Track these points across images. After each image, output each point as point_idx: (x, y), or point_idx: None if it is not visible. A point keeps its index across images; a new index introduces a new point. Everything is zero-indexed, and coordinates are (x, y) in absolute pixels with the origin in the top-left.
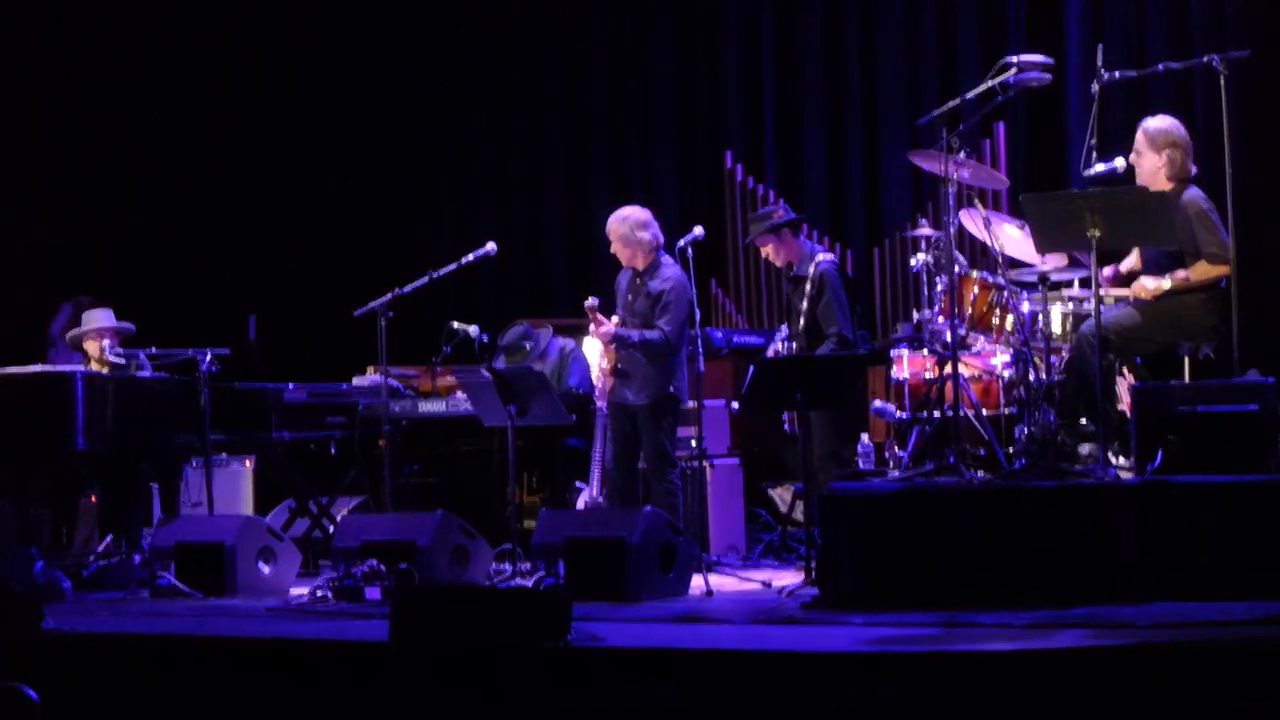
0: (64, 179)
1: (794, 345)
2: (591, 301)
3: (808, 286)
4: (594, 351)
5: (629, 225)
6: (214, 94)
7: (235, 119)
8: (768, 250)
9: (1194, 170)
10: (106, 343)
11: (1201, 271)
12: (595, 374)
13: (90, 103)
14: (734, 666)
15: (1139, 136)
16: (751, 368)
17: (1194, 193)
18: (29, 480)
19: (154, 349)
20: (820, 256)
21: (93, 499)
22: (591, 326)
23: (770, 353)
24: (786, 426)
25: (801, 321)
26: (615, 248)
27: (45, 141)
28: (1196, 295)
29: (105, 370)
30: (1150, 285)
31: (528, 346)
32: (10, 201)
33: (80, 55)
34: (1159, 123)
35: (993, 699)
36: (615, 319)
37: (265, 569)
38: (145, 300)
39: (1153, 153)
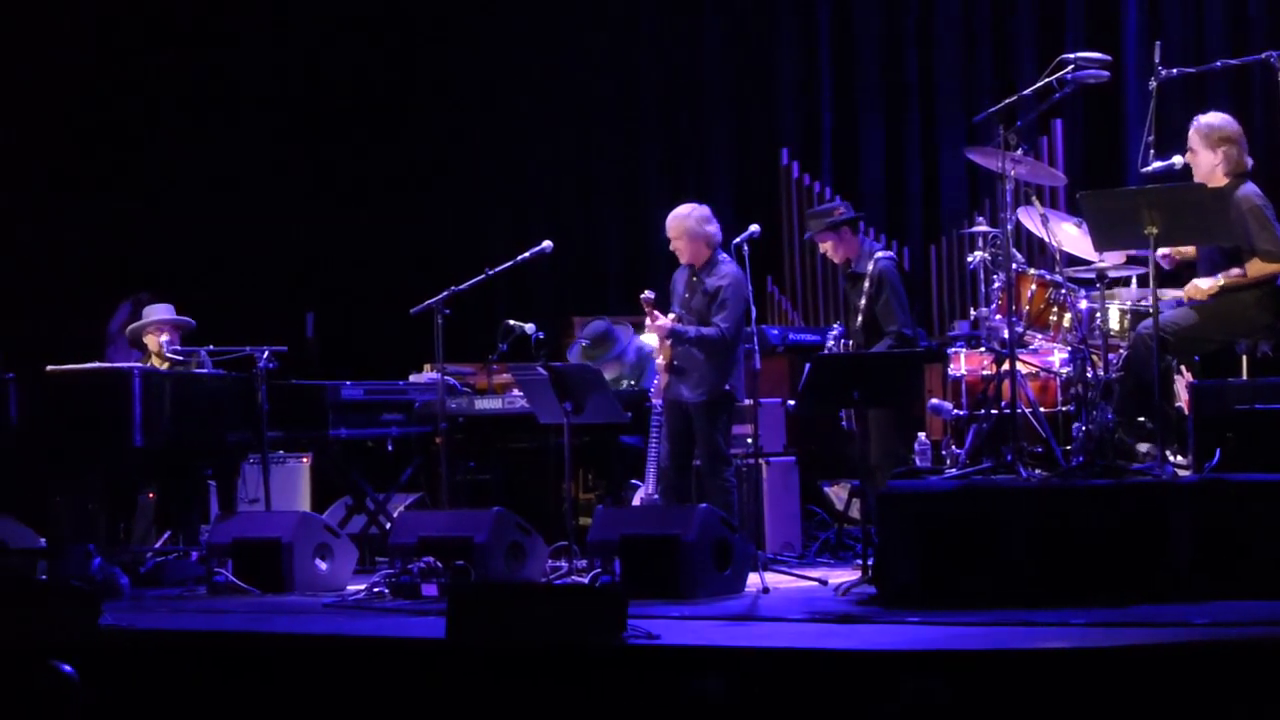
0: (121, 176)
1: (850, 343)
2: (647, 295)
3: (866, 284)
4: (651, 343)
5: (695, 219)
6: (271, 92)
7: (293, 117)
8: (826, 247)
9: (1250, 164)
10: (165, 338)
11: (1256, 269)
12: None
13: (148, 100)
14: (790, 665)
15: (1192, 135)
16: (808, 365)
17: (1249, 189)
18: (87, 477)
19: (211, 346)
20: (879, 254)
21: (150, 495)
22: (647, 320)
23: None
24: (844, 424)
25: (859, 319)
26: (678, 244)
27: (102, 139)
28: (1252, 293)
29: (164, 366)
30: (1204, 285)
31: (609, 344)
32: (68, 199)
33: (136, 51)
34: (1211, 119)
35: (1049, 698)
36: (671, 316)
37: (322, 565)
38: (202, 298)
39: (1208, 150)
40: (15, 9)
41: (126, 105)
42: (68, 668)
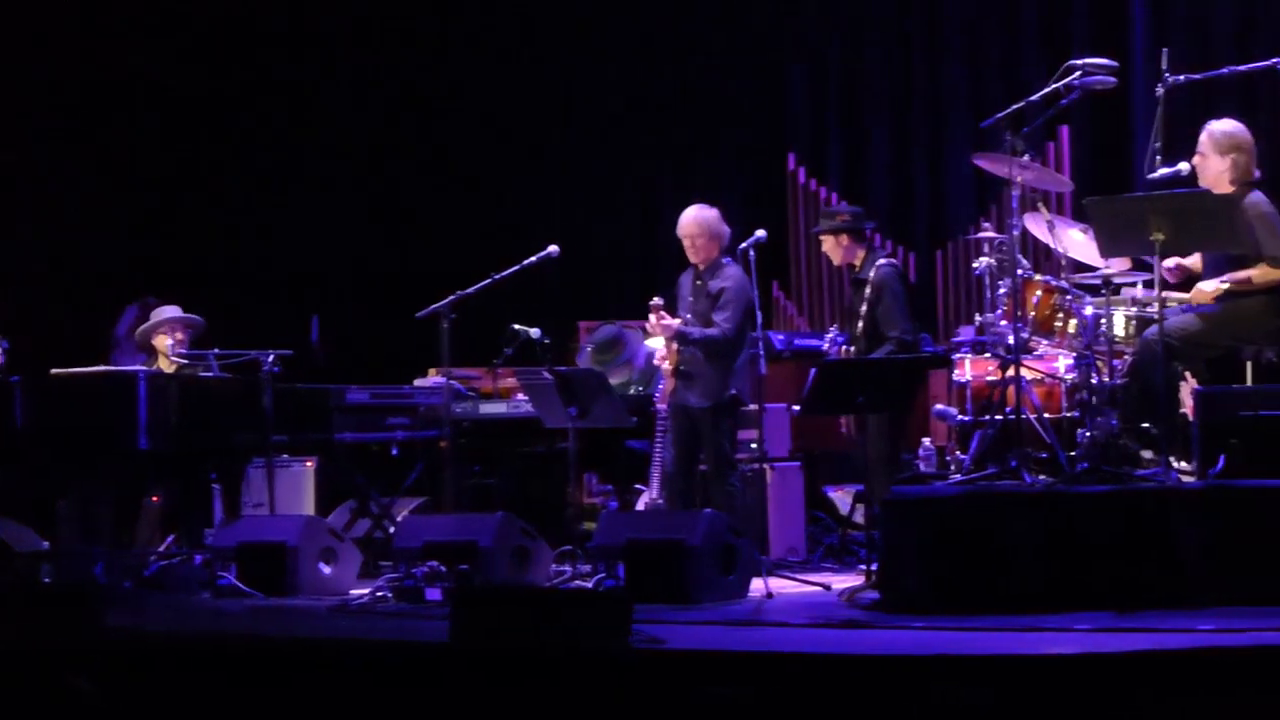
0: (128, 182)
1: (852, 349)
2: (656, 301)
3: (868, 290)
4: (657, 349)
5: (715, 218)
6: (276, 95)
7: (300, 122)
8: (827, 245)
9: (1258, 174)
10: (179, 336)
11: (1263, 274)
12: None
13: (155, 106)
14: (794, 669)
15: (1203, 139)
16: (813, 371)
17: (1257, 196)
18: (91, 480)
19: (217, 350)
20: (880, 261)
21: (155, 499)
22: (652, 318)
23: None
24: (843, 429)
25: (861, 324)
26: (699, 242)
27: (110, 145)
28: (1258, 298)
29: (171, 369)
30: (1208, 288)
31: (619, 349)
32: (75, 204)
33: (148, 59)
34: (1224, 126)
35: (1054, 703)
36: (677, 321)
37: (326, 569)
38: (208, 301)
39: (1217, 155)
40: (11, 12)
41: (131, 108)
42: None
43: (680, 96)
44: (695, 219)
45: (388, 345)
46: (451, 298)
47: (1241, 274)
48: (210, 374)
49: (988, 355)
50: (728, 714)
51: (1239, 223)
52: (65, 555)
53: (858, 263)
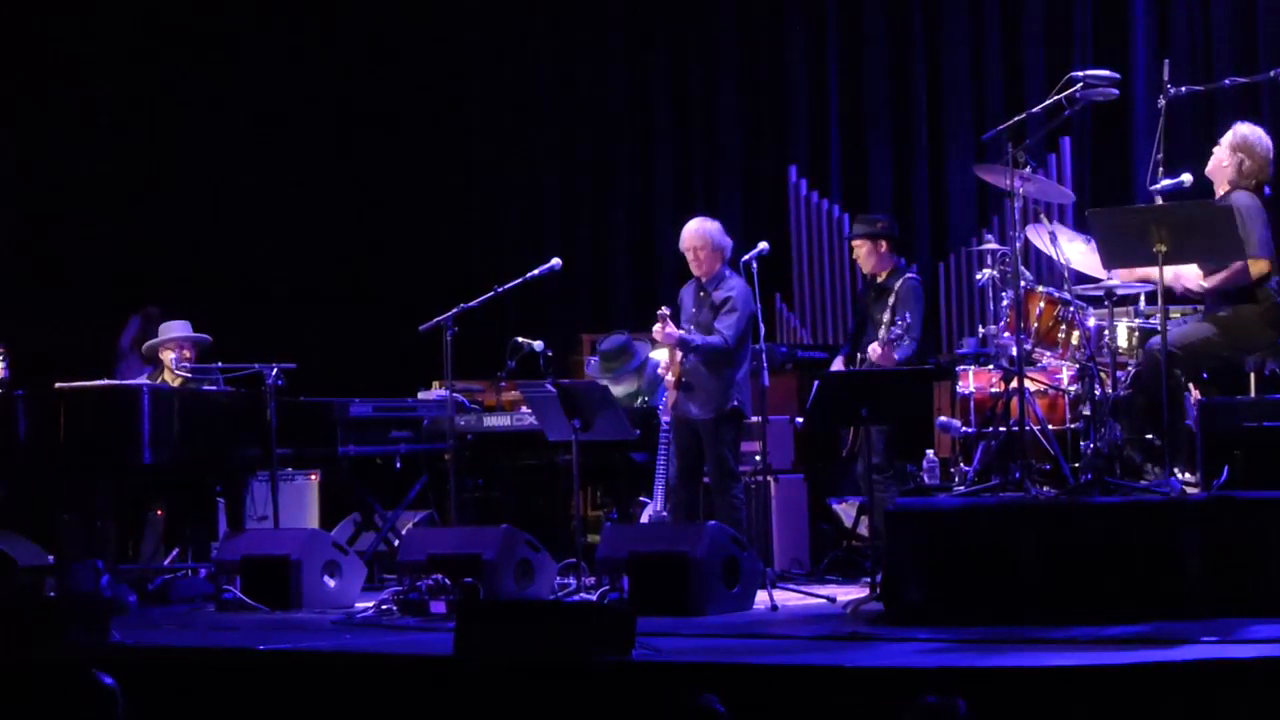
0: (133, 193)
1: (860, 356)
2: (664, 310)
3: (890, 298)
4: (660, 360)
5: (717, 230)
6: (282, 107)
7: (303, 132)
8: (860, 252)
9: (1267, 191)
10: (183, 355)
11: (1232, 274)
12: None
13: (158, 115)
14: (798, 682)
15: (1229, 133)
16: (816, 383)
17: (1240, 195)
18: (95, 494)
19: (220, 364)
20: (909, 274)
21: (159, 513)
22: (656, 327)
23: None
24: (844, 451)
25: (879, 333)
26: (701, 254)
27: (113, 155)
28: (1251, 309)
29: (176, 383)
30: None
31: (627, 357)
32: (79, 214)
33: (147, 68)
34: (1247, 129)
35: (1058, 714)
36: (681, 330)
37: (330, 583)
38: (211, 313)
39: (1229, 151)
40: (31, 19)
41: (135, 120)
42: (108, 679)
43: (682, 110)
44: (698, 231)
45: (391, 358)
46: (454, 310)
47: (1217, 278)
48: (214, 388)
49: (991, 367)
50: None
51: (1239, 233)
52: (69, 569)
53: (882, 273)
